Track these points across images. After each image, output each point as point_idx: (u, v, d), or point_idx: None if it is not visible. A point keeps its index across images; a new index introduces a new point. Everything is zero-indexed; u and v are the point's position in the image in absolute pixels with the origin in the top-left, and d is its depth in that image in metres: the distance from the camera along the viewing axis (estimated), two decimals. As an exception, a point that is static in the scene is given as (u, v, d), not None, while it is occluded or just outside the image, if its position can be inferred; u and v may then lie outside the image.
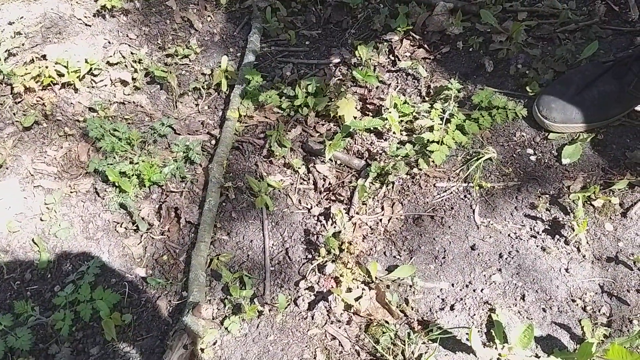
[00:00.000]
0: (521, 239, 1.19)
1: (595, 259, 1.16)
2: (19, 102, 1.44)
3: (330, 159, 1.34)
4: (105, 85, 1.48)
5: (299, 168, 1.34)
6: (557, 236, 1.18)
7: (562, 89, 1.32)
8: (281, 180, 1.33)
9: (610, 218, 1.20)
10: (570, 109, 1.29)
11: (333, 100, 1.42)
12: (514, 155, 1.31)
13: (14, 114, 1.44)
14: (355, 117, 1.38)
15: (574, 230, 1.17)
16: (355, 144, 1.38)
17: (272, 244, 1.23)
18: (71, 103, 1.45)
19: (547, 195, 1.24)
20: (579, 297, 1.11)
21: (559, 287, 1.13)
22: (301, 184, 1.33)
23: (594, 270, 1.14)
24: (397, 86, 1.47)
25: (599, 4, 1.49)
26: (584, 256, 1.16)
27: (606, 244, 1.17)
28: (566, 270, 1.14)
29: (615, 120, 1.32)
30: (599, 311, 1.10)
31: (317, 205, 1.29)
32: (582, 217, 1.18)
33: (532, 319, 1.09)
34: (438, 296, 1.14)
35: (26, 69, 1.44)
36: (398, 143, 1.35)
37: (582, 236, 1.16)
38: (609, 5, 1.49)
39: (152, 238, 1.26)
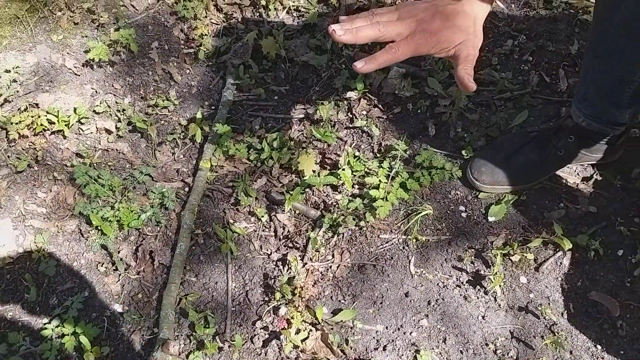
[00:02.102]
0: (447, 288, 1.39)
1: (509, 307, 1.36)
2: (12, 147, 1.61)
3: (289, 209, 1.53)
4: (91, 133, 1.65)
5: (262, 216, 1.53)
6: (478, 287, 1.38)
7: (492, 154, 1.52)
8: (245, 227, 1.51)
9: (525, 272, 1.41)
10: (498, 172, 1.49)
11: (295, 154, 1.60)
12: (448, 211, 1.51)
13: (8, 156, 1.60)
14: (314, 171, 1.57)
15: (492, 282, 1.37)
16: (313, 195, 1.56)
17: (235, 287, 1.42)
18: (60, 149, 1.62)
19: (473, 249, 1.44)
20: (492, 342, 1.32)
21: (476, 332, 1.33)
22: (263, 231, 1.52)
23: (507, 318, 1.35)
24: (353, 142, 1.66)
25: (533, 74, 1.70)
26: (499, 305, 1.36)
27: (519, 295, 1.38)
28: (483, 317, 1.35)
29: (537, 183, 1.52)
30: (508, 354, 1.30)
31: (276, 251, 1.48)
32: (500, 271, 1.38)
33: (450, 360, 1.29)
34: (374, 337, 1.33)
35: (20, 117, 1.60)
36: (350, 196, 1.54)
37: (498, 288, 1.36)
38: (541, 75, 1.70)
39: (129, 277, 1.44)
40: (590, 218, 1.46)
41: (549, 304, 1.36)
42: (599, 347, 1.30)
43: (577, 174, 1.54)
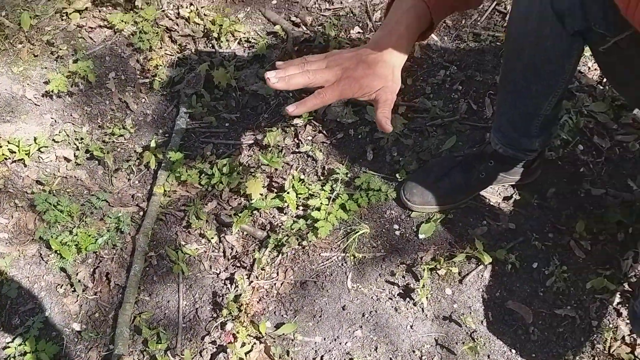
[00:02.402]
0: (380, 301, 1.53)
1: (435, 317, 1.51)
2: (-26, 175, 1.70)
3: (238, 231, 1.65)
4: (51, 161, 1.75)
5: (212, 238, 1.65)
6: (408, 299, 1.53)
7: (423, 177, 1.67)
8: (196, 248, 1.63)
9: (450, 284, 1.56)
10: (427, 193, 1.64)
11: (244, 178, 1.73)
12: (383, 230, 1.65)
13: (-30, 185, 1.69)
14: (261, 194, 1.70)
15: (420, 294, 1.52)
16: (260, 216, 1.69)
17: (185, 304, 1.54)
18: (21, 177, 1.72)
19: (404, 265, 1.59)
20: (418, 349, 1.46)
21: (404, 340, 1.47)
22: (213, 252, 1.64)
23: (433, 327, 1.50)
24: (299, 166, 1.79)
25: (462, 102, 1.86)
26: (426, 315, 1.51)
27: (444, 305, 1.53)
28: (411, 327, 1.49)
29: (463, 203, 1.68)
30: (432, 360, 1.45)
31: (224, 270, 1.60)
32: (427, 284, 1.53)
33: (380, 366, 1.43)
34: (312, 348, 1.47)
35: (-18, 147, 1.69)
36: (294, 217, 1.68)
37: (425, 299, 1.51)
38: (469, 103, 1.86)
39: (87, 298, 1.55)
40: (510, 234, 1.62)
41: (470, 313, 1.51)
42: (513, 351, 1.46)
43: (499, 194, 1.70)
